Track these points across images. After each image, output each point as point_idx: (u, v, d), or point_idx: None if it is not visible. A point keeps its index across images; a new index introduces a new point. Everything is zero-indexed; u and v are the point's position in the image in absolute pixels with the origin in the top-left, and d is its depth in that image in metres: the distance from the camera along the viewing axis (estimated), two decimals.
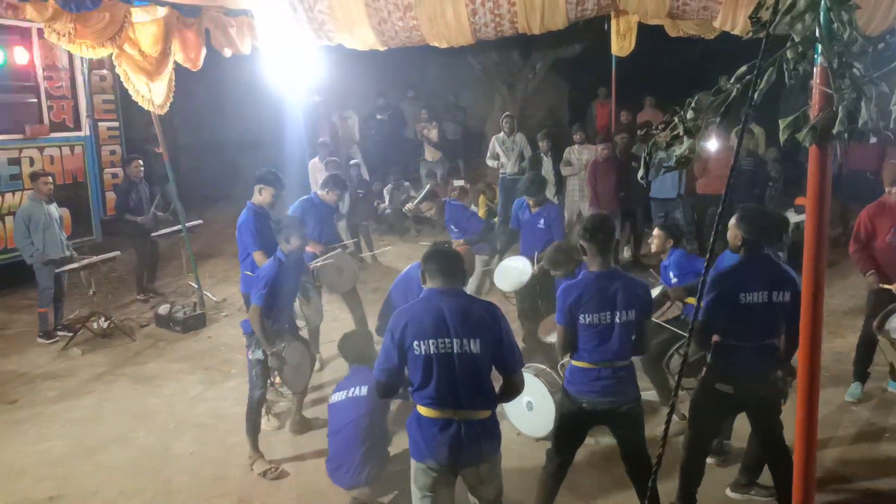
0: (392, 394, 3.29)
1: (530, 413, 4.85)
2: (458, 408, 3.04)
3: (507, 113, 10.65)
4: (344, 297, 6.47)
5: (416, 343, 3.02)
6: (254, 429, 4.78)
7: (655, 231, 5.30)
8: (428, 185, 7.31)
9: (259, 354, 4.70)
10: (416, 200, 6.88)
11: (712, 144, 8.10)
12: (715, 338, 3.77)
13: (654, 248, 5.33)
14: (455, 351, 3.01)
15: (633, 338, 3.61)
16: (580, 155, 9.37)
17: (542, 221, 6.13)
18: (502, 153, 9.99)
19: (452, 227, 6.56)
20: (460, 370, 3.02)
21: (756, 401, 3.79)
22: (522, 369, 4.13)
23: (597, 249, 3.54)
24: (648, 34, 8.48)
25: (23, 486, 4.60)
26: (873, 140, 7.42)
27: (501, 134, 10.07)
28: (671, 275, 5.10)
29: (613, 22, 8.76)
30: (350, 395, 4.20)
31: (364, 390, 4.14)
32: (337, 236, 6.75)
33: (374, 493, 4.11)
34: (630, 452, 3.75)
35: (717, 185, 8.34)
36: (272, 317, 4.69)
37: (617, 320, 3.51)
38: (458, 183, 10.85)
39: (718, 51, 8.93)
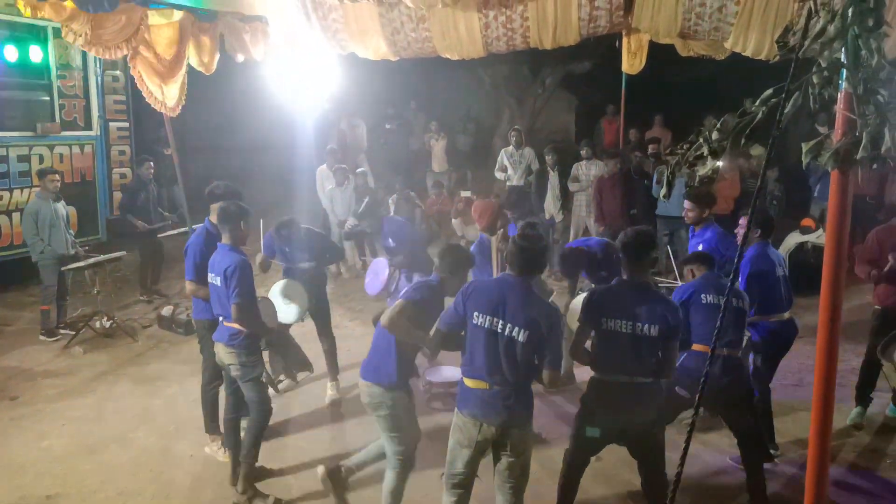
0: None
1: None
2: (493, 378, 3.41)
3: (516, 126, 10.70)
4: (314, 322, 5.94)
5: (475, 313, 3.45)
6: (253, 458, 4.44)
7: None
8: (365, 201, 6.94)
9: (261, 373, 4.47)
10: (356, 217, 6.66)
11: (720, 165, 8.14)
12: None
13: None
14: (504, 333, 3.37)
15: (658, 358, 3.57)
16: (587, 170, 9.40)
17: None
18: (510, 166, 10.03)
19: (390, 240, 6.39)
20: (503, 349, 3.39)
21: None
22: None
23: (626, 261, 3.66)
24: (659, 53, 8.53)
25: (23, 482, 4.59)
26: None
27: (510, 147, 10.12)
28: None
29: (625, 40, 8.80)
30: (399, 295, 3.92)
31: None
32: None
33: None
34: (645, 471, 3.77)
35: (723, 206, 8.35)
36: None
37: (637, 332, 3.51)
38: (465, 194, 10.90)
39: (728, 71, 9.00)
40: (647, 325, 3.50)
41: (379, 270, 6.39)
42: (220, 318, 4.45)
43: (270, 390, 4.74)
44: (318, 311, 5.86)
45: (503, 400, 3.41)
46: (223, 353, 4.43)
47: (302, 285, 5.55)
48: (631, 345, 3.53)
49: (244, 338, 4.36)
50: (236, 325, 4.32)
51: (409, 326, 3.69)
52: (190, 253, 4.91)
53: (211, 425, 5.08)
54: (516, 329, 3.36)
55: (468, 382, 3.50)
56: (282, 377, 6.02)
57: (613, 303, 3.61)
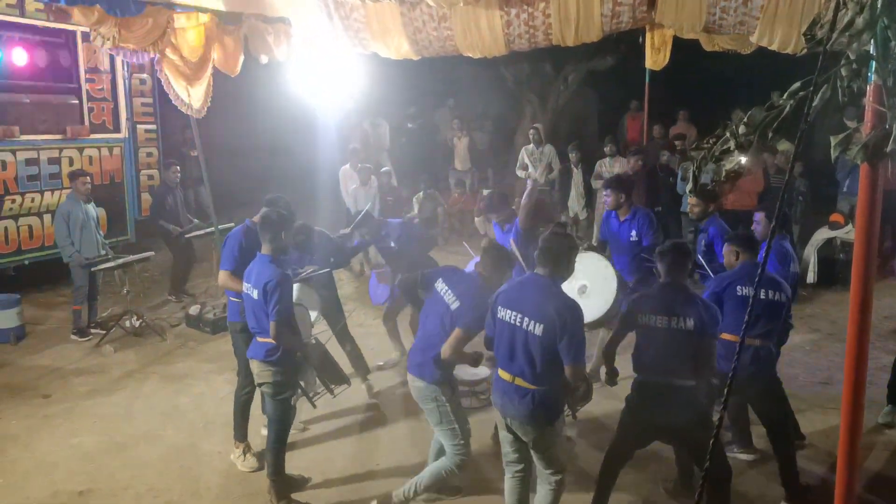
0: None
1: (581, 299, 4.56)
2: (513, 371, 3.55)
3: (535, 124, 10.68)
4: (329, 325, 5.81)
5: (500, 308, 3.62)
6: (279, 475, 4.41)
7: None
8: (363, 212, 6.76)
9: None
10: (350, 228, 6.50)
11: (743, 160, 8.04)
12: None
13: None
14: (522, 326, 3.48)
15: (696, 356, 3.63)
16: (611, 167, 9.35)
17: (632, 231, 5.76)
18: (530, 164, 10.02)
19: (392, 243, 6.21)
20: (521, 342, 3.49)
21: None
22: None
23: (663, 267, 3.84)
24: (683, 48, 8.44)
25: (56, 478, 4.69)
26: None
27: (531, 145, 10.11)
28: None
29: (648, 35, 8.73)
30: (446, 297, 4.05)
31: (456, 304, 4.00)
32: None
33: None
34: (682, 466, 3.89)
35: (747, 202, 8.26)
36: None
37: (673, 325, 3.63)
38: (488, 192, 10.86)
39: (754, 66, 8.87)
40: (682, 319, 3.62)
41: (382, 280, 6.36)
42: (255, 335, 4.35)
43: (308, 404, 4.75)
44: (331, 315, 5.84)
45: (520, 397, 3.51)
46: (260, 371, 4.33)
47: (313, 289, 5.53)
48: (667, 341, 3.62)
49: (282, 353, 4.26)
50: (272, 340, 4.22)
51: (465, 353, 3.98)
52: (228, 244, 4.92)
53: (238, 432, 4.99)
54: (533, 323, 3.45)
55: (499, 372, 3.67)
56: (320, 390, 5.99)
57: (650, 300, 3.78)
